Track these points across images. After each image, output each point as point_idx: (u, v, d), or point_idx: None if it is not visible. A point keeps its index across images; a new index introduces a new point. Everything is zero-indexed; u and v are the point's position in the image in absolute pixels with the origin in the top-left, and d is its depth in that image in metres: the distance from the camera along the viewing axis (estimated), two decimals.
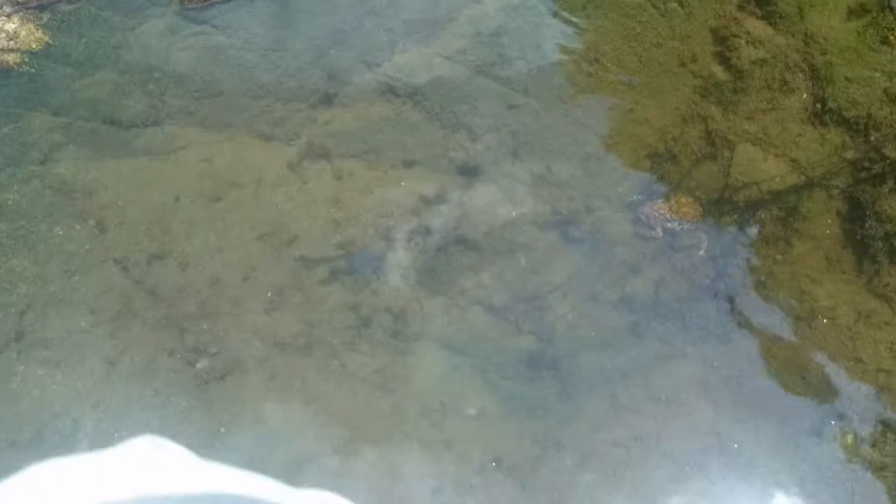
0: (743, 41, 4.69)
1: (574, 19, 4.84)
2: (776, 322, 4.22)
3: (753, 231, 4.43)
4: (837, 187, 4.35)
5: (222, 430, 3.87)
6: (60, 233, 4.26)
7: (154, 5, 4.75)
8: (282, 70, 4.69)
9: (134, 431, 3.83)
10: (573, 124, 4.70)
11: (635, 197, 4.57)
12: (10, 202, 4.30)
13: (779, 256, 4.35)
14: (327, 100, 4.69)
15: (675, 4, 4.83)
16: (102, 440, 3.80)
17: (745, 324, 4.24)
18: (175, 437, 3.81)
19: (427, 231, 4.46)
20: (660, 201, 4.53)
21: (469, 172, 4.59)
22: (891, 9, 4.44)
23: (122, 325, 4.09)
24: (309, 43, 4.75)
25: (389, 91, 4.72)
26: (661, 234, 4.46)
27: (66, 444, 3.78)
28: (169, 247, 4.28)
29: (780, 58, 4.63)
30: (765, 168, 4.48)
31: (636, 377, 4.13)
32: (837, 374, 4.02)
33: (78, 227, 4.28)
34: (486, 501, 3.90)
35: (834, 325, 4.14)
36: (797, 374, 4.07)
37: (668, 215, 4.47)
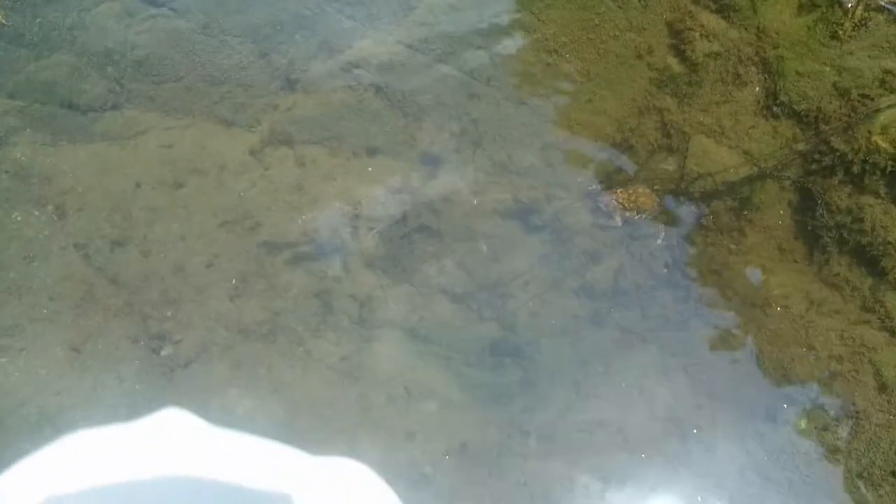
0: (697, 34, 4.80)
1: (534, 10, 4.90)
2: (732, 310, 4.35)
3: (708, 221, 4.55)
4: (789, 178, 4.49)
5: None
6: (19, 218, 4.16)
7: None
8: (242, 55, 4.65)
9: (99, 420, 3.79)
10: (533, 114, 4.75)
11: (594, 186, 4.65)
12: None
13: (733, 246, 4.48)
14: (289, 86, 4.67)
15: None
16: (69, 428, 3.75)
17: (701, 312, 4.36)
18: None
19: (390, 218, 4.47)
20: (618, 191, 4.62)
21: (431, 161, 4.61)
22: (840, 4, 4.59)
23: (84, 313, 4.03)
24: (270, 28, 4.71)
25: (352, 78, 4.71)
26: (620, 224, 4.55)
27: (32, 432, 3.73)
28: (130, 233, 4.21)
29: (734, 51, 4.75)
30: (719, 159, 4.61)
31: (597, 364, 4.22)
32: (791, 361, 4.16)
33: (36, 212, 4.19)
34: (449, 488, 3.96)
35: (787, 314, 4.29)
36: (753, 362, 4.20)
37: (626, 205, 4.57)
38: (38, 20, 4.54)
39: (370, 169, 4.56)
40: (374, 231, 4.43)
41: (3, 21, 4.51)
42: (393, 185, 4.54)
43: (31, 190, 4.23)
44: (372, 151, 4.61)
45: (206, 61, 4.61)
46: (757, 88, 4.71)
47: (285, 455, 1.12)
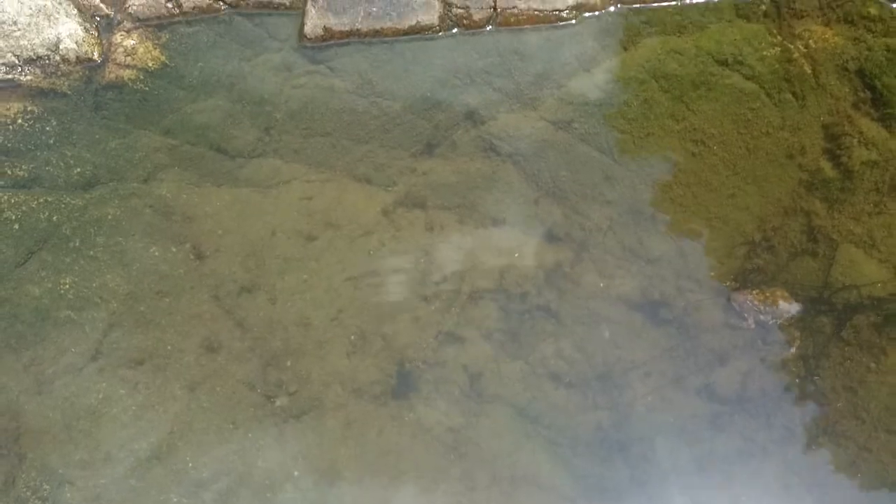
0: (855, 140, 4.60)
1: (685, 99, 4.80)
2: (865, 432, 4.08)
3: (849, 335, 4.30)
4: None
5: (295, 473, 3.86)
6: (156, 254, 4.30)
7: (272, 39, 4.83)
8: (389, 117, 4.72)
9: (209, 462, 3.83)
10: (670, 202, 4.63)
11: (728, 283, 4.48)
12: (109, 217, 4.36)
13: (872, 364, 4.22)
14: (429, 150, 4.70)
15: (790, 95, 4.77)
16: (176, 468, 3.80)
17: (832, 430, 4.10)
18: (248, 475, 3.81)
19: (511, 294, 4.41)
20: (754, 291, 4.43)
21: (559, 238, 4.54)
22: None
23: (207, 353, 4.11)
24: (419, 94, 4.77)
25: (490, 149, 4.71)
26: (752, 326, 4.35)
27: (141, 469, 3.79)
28: (261, 280, 4.29)
29: (893, 162, 4.54)
30: (867, 272, 4.37)
31: (714, 472, 4.02)
32: None
33: (174, 249, 4.32)
34: None
35: None
36: (885, 491, 3.92)
37: (761, 307, 4.37)
38: (199, 64, 4.74)
39: (497, 241, 4.52)
40: (496, 304, 4.38)
41: (167, 62, 4.72)
42: (518, 260, 4.49)
43: (172, 227, 4.37)
44: (501, 223, 4.57)
45: (354, 120, 4.70)
46: None
47: None
